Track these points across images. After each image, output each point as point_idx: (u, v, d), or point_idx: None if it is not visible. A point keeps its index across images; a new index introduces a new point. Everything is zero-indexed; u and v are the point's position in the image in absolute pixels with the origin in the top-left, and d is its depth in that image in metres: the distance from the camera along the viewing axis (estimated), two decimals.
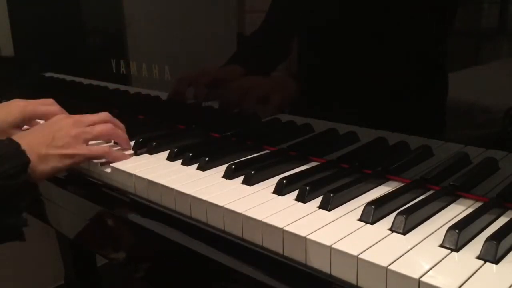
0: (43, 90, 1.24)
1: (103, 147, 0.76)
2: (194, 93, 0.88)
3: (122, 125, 0.80)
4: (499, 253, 0.45)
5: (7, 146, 0.63)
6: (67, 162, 0.69)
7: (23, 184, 0.61)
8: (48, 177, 0.70)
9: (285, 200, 0.59)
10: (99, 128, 0.74)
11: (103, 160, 0.74)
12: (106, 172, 0.73)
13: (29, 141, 0.66)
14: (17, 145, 0.64)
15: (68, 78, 1.17)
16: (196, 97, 0.87)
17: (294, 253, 0.50)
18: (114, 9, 1.00)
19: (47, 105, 0.85)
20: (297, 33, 0.74)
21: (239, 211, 0.55)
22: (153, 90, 0.95)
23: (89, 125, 0.74)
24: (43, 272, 1.54)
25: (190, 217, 0.61)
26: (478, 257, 0.45)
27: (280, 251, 0.51)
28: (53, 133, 0.70)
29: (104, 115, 0.77)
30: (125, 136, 0.79)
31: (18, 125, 0.83)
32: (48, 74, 1.23)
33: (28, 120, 0.84)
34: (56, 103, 0.86)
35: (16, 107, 0.83)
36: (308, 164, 0.71)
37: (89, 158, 0.73)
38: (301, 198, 0.58)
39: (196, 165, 0.70)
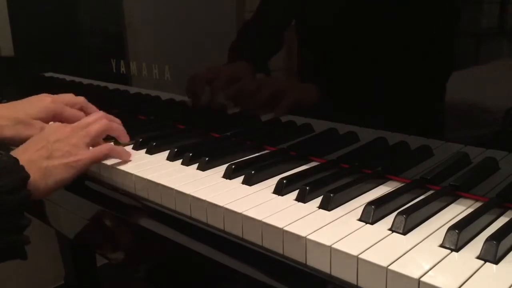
0: (43, 90, 1.23)
1: (106, 145, 0.73)
2: (211, 92, 0.86)
3: (117, 120, 0.79)
4: (499, 253, 0.45)
5: (4, 162, 0.59)
6: (73, 171, 0.66)
7: (24, 200, 0.58)
8: (54, 191, 0.65)
9: (285, 200, 0.59)
10: (94, 128, 0.72)
11: (110, 160, 0.73)
12: (106, 172, 0.73)
13: (28, 156, 0.63)
14: (15, 160, 0.60)
15: (68, 78, 1.17)
16: (213, 96, 0.86)
17: (294, 253, 0.50)
18: (114, 9, 1.00)
19: (76, 103, 0.82)
20: (297, 32, 0.74)
21: (239, 211, 0.55)
22: (153, 90, 0.95)
23: (85, 128, 0.72)
24: (43, 272, 1.54)
25: (190, 217, 0.61)
26: (478, 257, 0.45)
27: (280, 251, 0.51)
28: (51, 145, 0.66)
29: (99, 114, 0.76)
30: (121, 128, 0.78)
31: (42, 120, 0.78)
32: (48, 74, 1.23)
33: (52, 119, 0.80)
34: (87, 102, 0.83)
35: (41, 102, 0.80)
36: (308, 164, 0.71)
37: (94, 161, 0.70)
38: (301, 198, 0.58)
39: (196, 165, 0.70)
